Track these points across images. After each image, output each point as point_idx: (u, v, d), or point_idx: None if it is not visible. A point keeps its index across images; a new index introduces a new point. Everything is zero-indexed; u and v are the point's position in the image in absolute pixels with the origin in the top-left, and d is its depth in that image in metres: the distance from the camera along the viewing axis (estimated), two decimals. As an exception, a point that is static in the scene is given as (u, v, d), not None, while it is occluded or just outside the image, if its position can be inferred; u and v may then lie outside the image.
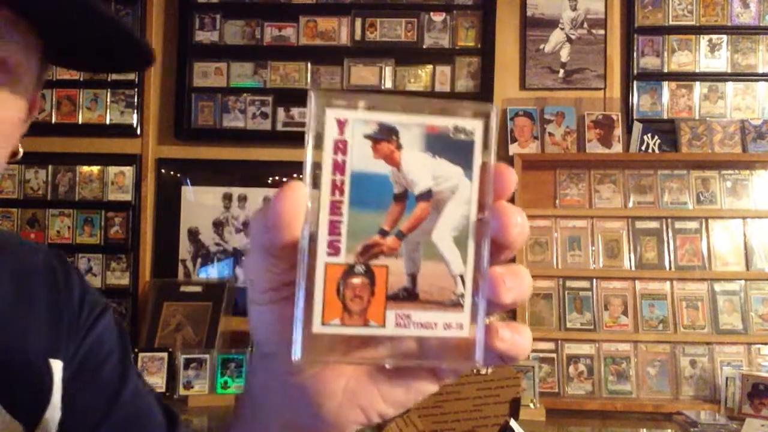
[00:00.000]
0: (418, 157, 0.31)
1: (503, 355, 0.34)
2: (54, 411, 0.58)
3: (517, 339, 0.34)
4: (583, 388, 2.33)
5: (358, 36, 2.58)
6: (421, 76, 2.58)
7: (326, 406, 0.37)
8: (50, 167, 2.61)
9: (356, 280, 0.31)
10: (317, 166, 0.31)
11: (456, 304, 0.32)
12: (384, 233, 0.31)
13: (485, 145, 0.32)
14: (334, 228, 0.31)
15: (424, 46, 2.57)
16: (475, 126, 0.32)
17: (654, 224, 2.44)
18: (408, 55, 2.58)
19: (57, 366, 0.59)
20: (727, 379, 2.21)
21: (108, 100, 2.61)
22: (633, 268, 2.41)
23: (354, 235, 0.31)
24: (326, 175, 0.31)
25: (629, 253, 2.42)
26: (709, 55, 2.53)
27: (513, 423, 1.77)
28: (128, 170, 2.59)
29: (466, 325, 0.32)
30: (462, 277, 0.32)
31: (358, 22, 2.58)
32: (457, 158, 0.32)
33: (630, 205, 2.45)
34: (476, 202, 0.32)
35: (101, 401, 0.60)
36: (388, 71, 2.57)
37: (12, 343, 0.57)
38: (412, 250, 0.32)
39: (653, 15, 2.55)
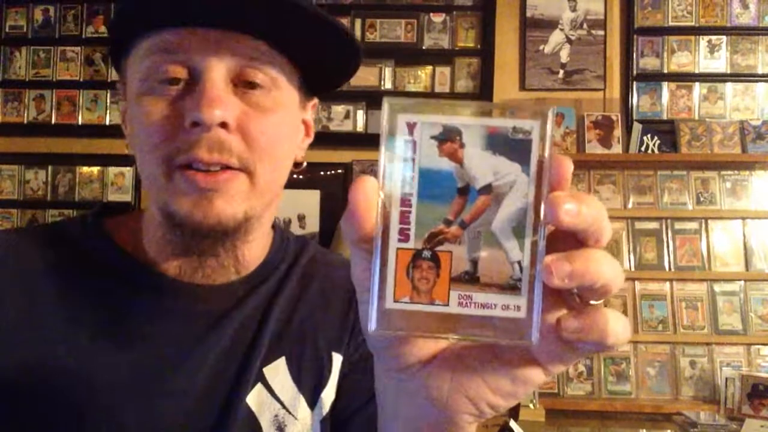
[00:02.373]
0: (479, 154, 0.35)
1: (569, 340, 0.36)
2: (330, 392, 0.71)
3: (589, 327, 0.36)
4: (582, 388, 2.33)
5: (357, 36, 2.58)
6: (420, 77, 2.58)
7: (436, 398, 0.39)
8: (50, 167, 2.61)
9: (423, 264, 0.35)
10: (391, 163, 0.35)
11: (514, 288, 0.35)
12: (448, 223, 0.35)
13: (542, 143, 0.35)
14: (404, 218, 0.35)
15: (424, 47, 2.57)
16: (532, 125, 0.35)
17: (654, 225, 2.44)
18: (408, 55, 2.58)
19: (337, 359, 0.72)
20: (726, 379, 2.21)
21: (108, 100, 2.61)
22: (633, 269, 2.41)
23: (422, 224, 0.35)
24: (398, 172, 0.35)
25: (629, 254, 2.42)
26: (709, 56, 2.54)
27: (513, 423, 1.77)
28: (128, 171, 2.59)
29: (523, 307, 0.35)
30: (519, 263, 0.35)
31: (358, 22, 2.58)
32: (515, 155, 0.35)
33: (630, 205, 2.46)
34: (533, 195, 0.35)
35: (363, 395, 0.71)
36: (387, 72, 2.57)
37: (308, 338, 0.71)
38: (473, 238, 0.35)
39: (653, 16, 2.55)
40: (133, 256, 0.68)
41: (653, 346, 2.35)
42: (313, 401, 0.70)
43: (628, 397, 2.31)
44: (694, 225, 2.43)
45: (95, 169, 2.61)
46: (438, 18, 2.58)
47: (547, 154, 0.35)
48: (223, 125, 0.59)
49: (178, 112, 0.60)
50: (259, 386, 0.67)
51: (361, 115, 2.57)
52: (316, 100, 0.73)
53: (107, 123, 2.61)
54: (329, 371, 0.71)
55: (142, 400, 0.63)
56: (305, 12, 0.61)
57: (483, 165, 0.35)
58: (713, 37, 2.54)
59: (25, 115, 2.64)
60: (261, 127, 0.62)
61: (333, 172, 2.58)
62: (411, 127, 0.35)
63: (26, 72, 2.65)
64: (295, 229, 2.55)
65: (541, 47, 2.56)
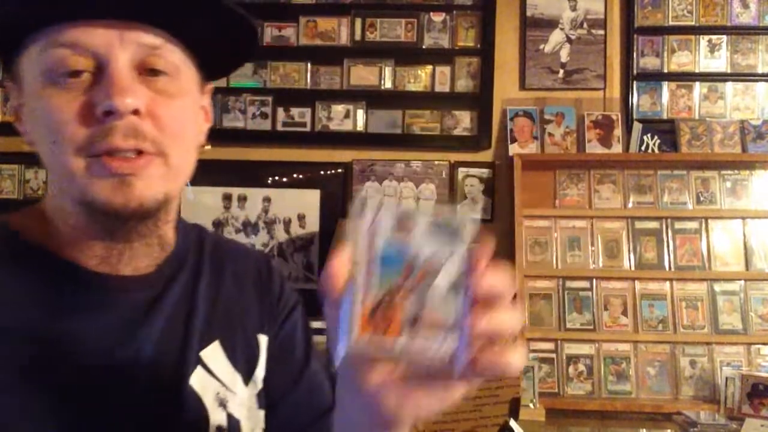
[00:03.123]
0: (425, 236, 0.48)
1: (481, 373, 0.48)
2: (261, 371, 0.78)
3: (495, 363, 0.48)
4: (582, 388, 2.33)
5: (357, 36, 2.58)
6: (420, 77, 2.58)
7: (386, 409, 0.49)
8: (50, 167, 2.61)
9: (382, 311, 0.47)
10: (360, 238, 0.47)
11: (446, 332, 0.47)
12: (400, 284, 0.47)
13: (470, 234, 0.49)
14: (368, 278, 0.47)
15: (424, 47, 2.57)
16: (464, 220, 0.50)
17: (654, 224, 2.44)
18: (408, 55, 2.58)
19: (263, 339, 0.79)
20: (726, 379, 2.21)
21: None
22: (633, 269, 2.41)
23: (382, 284, 0.47)
24: (364, 245, 0.47)
25: (629, 254, 2.42)
26: (709, 56, 2.54)
27: (513, 423, 1.77)
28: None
29: (452, 346, 0.47)
30: (451, 315, 0.47)
31: (358, 22, 2.58)
32: (451, 240, 0.48)
33: (630, 205, 2.45)
34: (463, 269, 0.48)
35: (291, 375, 0.81)
36: (387, 71, 2.57)
37: (236, 322, 0.77)
38: (418, 295, 0.47)
39: (653, 15, 2.55)
40: (50, 252, 0.68)
41: (653, 346, 2.35)
42: (247, 379, 0.76)
43: (628, 396, 2.31)
44: (694, 225, 2.43)
45: (95, 169, 2.61)
46: (438, 17, 2.58)
47: (472, 241, 0.49)
48: (135, 112, 0.62)
49: (87, 102, 0.61)
50: (199, 368, 0.71)
51: (361, 114, 2.57)
52: (211, 85, 0.76)
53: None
54: (258, 351, 0.78)
55: (86, 394, 0.65)
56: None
57: (427, 244, 0.48)
58: (713, 37, 2.54)
59: (25, 114, 2.63)
60: (170, 112, 0.65)
61: (333, 171, 2.58)
62: (377, 211, 0.48)
63: (26, 72, 2.65)
64: (296, 229, 2.55)
65: (541, 47, 2.56)
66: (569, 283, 2.41)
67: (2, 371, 0.62)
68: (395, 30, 2.58)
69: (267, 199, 2.55)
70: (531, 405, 2.15)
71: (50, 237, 0.68)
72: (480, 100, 2.54)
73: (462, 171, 2.53)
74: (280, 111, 2.57)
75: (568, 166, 2.48)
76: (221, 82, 2.59)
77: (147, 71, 0.64)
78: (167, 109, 0.64)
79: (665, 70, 2.54)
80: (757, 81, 2.51)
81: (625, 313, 2.37)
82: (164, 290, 0.72)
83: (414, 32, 2.57)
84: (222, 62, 0.74)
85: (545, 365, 2.33)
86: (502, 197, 2.51)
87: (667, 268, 2.40)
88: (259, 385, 0.77)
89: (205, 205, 2.57)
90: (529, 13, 2.57)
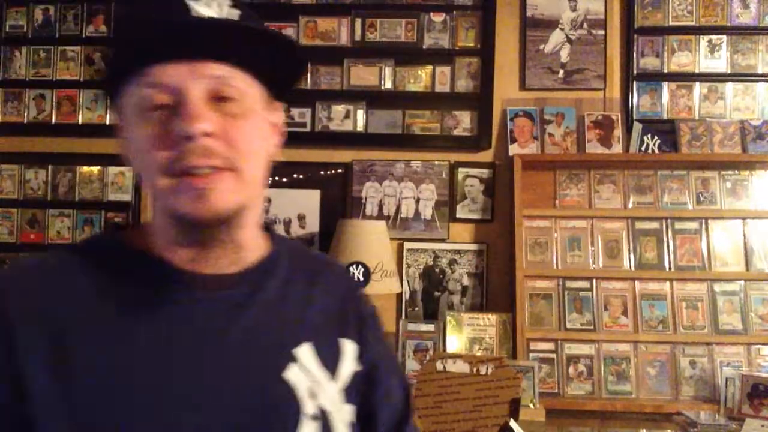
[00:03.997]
0: None
1: None
2: (347, 368, 0.86)
3: None
4: (583, 388, 2.33)
5: (358, 36, 2.58)
6: (420, 77, 2.58)
7: None
8: (50, 167, 2.61)
9: None
10: None
11: None
12: None
13: None
14: None
15: (424, 47, 2.57)
16: None
17: (654, 224, 2.44)
18: (408, 55, 2.58)
19: (346, 343, 0.87)
20: (726, 379, 2.21)
21: (108, 100, 2.61)
22: (633, 269, 2.41)
23: None
24: None
25: (629, 254, 2.42)
26: (709, 56, 2.54)
27: (513, 423, 1.77)
28: (128, 170, 2.59)
29: None
30: None
31: (358, 22, 2.58)
32: None
33: (630, 205, 2.45)
34: None
35: (391, 421, 0.91)
36: (387, 71, 2.57)
37: (323, 328, 0.86)
38: None
39: (653, 15, 2.55)
40: (154, 258, 0.79)
41: (653, 346, 2.35)
42: (333, 378, 0.84)
43: (628, 396, 2.31)
44: (694, 225, 2.43)
45: (95, 169, 2.61)
46: (438, 17, 2.58)
47: None
48: (208, 135, 0.72)
49: (169, 130, 0.73)
50: (292, 365, 0.80)
51: (361, 114, 2.57)
52: (280, 104, 0.86)
53: (107, 123, 2.61)
54: (341, 353, 0.87)
55: (179, 378, 0.73)
56: (253, 32, 0.75)
57: None
58: (713, 37, 2.54)
59: (25, 114, 2.64)
60: (239, 132, 0.75)
61: (333, 171, 2.58)
62: None
63: (26, 72, 2.65)
64: (296, 229, 2.55)
65: (541, 47, 2.56)
66: (569, 283, 2.41)
67: (116, 349, 0.73)
68: (395, 30, 2.58)
69: (267, 199, 2.56)
70: (531, 405, 2.15)
71: (152, 245, 0.80)
72: (480, 100, 2.54)
73: (462, 171, 2.53)
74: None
75: (568, 166, 2.48)
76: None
77: (217, 98, 0.74)
78: (236, 129, 0.75)
79: (665, 71, 2.54)
80: (757, 81, 2.51)
81: (625, 313, 2.37)
82: (255, 291, 0.82)
83: (414, 32, 2.57)
84: (280, 83, 0.83)
85: (545, 365, 2.33)
86: (502, 197, 2.51)
87: (667, 269, 2.40)
88: (346, 381, 0.85)
89: (205, 205, 2.56)
90: (529, 14, 2.57)
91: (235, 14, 0.76)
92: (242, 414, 0.74)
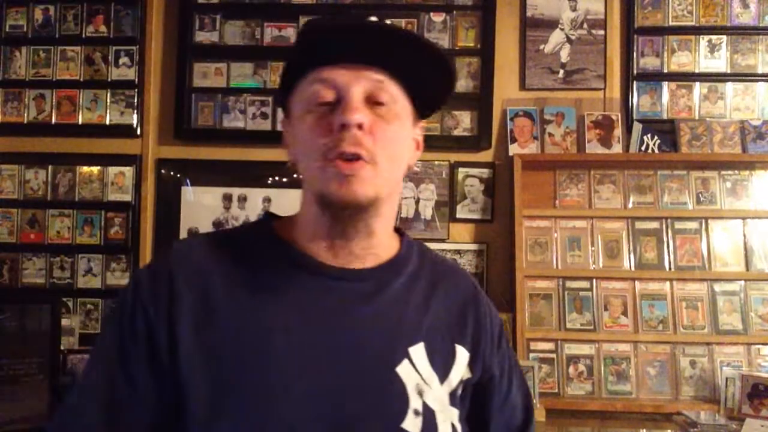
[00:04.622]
0: None
1: None
2: (457, 374, 0.91)
3: None
4: (583, 388, 2.33)
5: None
6: (421, 77, 2.58)
7: None
8: (50, 167, 2.61)
9: None
10: None
11: None
12: None
13: None
14: None
15: (424, 47, 2.57)
16: None
17: (654, 224, 2.44)
18: (408, 55, 2.57)
19: (460, 350, 0.93)
20: (726, 379, 2.21)
21: (108, 100, 2.61)
22: (633, 269, 2.41)
23: None
24: None
25: (629, 254, 2.42)
26: (709, 56, 2.54)
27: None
28: (128, 170, 2.59)
29: None
30: None
31: (358, 22, 2.58)
32: None
33: (630, 205, 2.45)
34: None
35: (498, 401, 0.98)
36: (388, 71, 2.57)
37: (439, 330, 0.92)
38: None
39: (653, 15, 2.55)
40: (294, 246, 0.91)
41: (653, 346, 2.35)
42: (442, 379, 0.90)
43: (628, 396, 2.31)
44: (694, 225, 2.43)
45: (95, 169, 2.61)
46: (438, 17, 2.58)
47: None
48: (360, 127, 0.83)
49: (329, 122, 0.84)
50: (405, 361, 0.87)
51: (361, 114, 2.57)
52: (422, 122, 0.96)
53: (107, 123, 2.61)
54: (454, 359, 0.92)
55: (315, 353, 0.83)
56: (412, 41, 0.87)
57: None
58: (713, 37, 2.54)
59: (25, 115, 2.64)
60: (385, 132, 0.85)
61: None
62: None
63: (26, 72, 2.65)
64: (295, 229, 2.55)
65: (541, 47, 2.56)
66: (569, 283, 2.41)
67: (251, 322, 0.84)
68: (395, 30, 2.58)
69: (267, 199, 2.56)
70: (531, 405, 2.14)
71: (297, 235, 0.92)
72: (480, 100, 2.54)
73: (462, 171, 2.53)
74: (280, 111, 2.56)
75: (568, 166, 2.48)
76: (221, 83, 2.60)
77: (372, 102, 0.86)
78: (383, 129, 0.85)
79: (665, 70, 2.54)
80: (757, 81, 2.51)
81: (625, 313, 2.37)
82: (382, 286, 0.90)
83: (414, 32, 2.57)
84: (428, 101, 0.94)
85: (545, 365, 2.33)
86: (502, 197, 2.51)
87: (667, 268, 2.40)
88: (453, 385, 0.91)
89: (205, 205, 2.57)
90: (529, 14, 2.57)
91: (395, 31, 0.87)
92: (352, 397, 0.82)
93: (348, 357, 0.84)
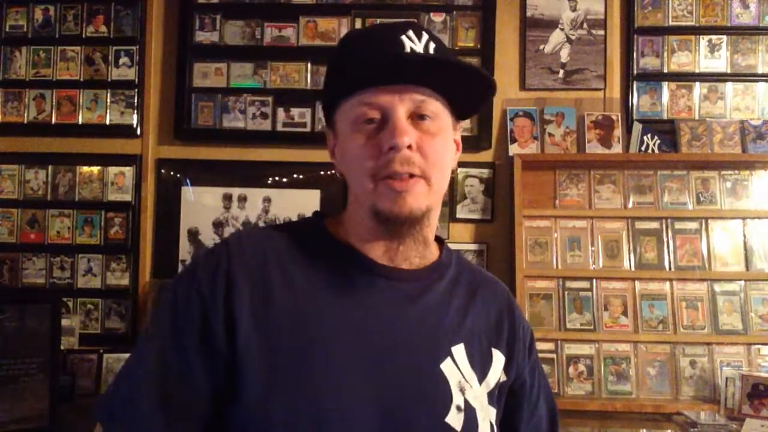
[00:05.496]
0: None
1: None
2: (494, 376, 0.96)
3: None
4: (583, 388, 2.33)
5: (358, 36, 2.58)
6: (421, 77, 2.58)
7: None
8: (50, 167, 2.61)
9: None
10: None
11: None
12: None
13: None
14: None
15: (424, 47, 2.57)
16: None
17: (654, 224, 2.44)
18: (408, 55, 2.57)
19: (497, 353, 0.98)
20: (726, 379, 2.21)
21: (108, 100, 2.61)
22: (633, 269, 2.41)
23: None
24: None
25: (629, 254, 2.42)
26: (709, 56, 2.54)
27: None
28: (128, 170, 2.59)
29: None
30: None
31: (358, 22, 2.58)
32: None
33: (630, 205, 2.46)
34: None
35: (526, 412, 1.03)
36: (388, 71, 2.57)
37: (477, 334, 0.97)
38: None
39: (653, 15, 2.55)
40: (349, 245, 0.95)
41: (653, 346, 2.35)
42: (481, 379, 0.94)
43: (628, 396, 2.31)
44: (694, 225, 2.43)
45: (95, 169, 2.61)
46: (438, 17, 2.58)
47: None
48: (409, 147, 0.87)
49: (377, 141, 0.88)
50: (448, 359, 0.91)
51: (361, 114, 2.57)
52: (461, 123, 1.00)
53: (107, 123, 2.61)
54: (492, 361, 0.97)
55: (367, 347, 0.87)
56: (452, 66, 0.89)
57: None
58: (713, 37, 2.54)
59: (25, 115, 2.64)
60: (432, 147, 0.89)
61: (333, 171, 2.57)
62: None
63: (26, 72, 2.65)
64: (295, 229, 2.55)
65: (541, 47, 2.56)
66: (569, 283, 2.41)
67: (305, 313, 0.87)
68: (395, 30, 2.58)
69: (267, 199, 2.56)
70: (531, 405, 2.14)
71: (349, 235, 0.96)
72: (480, 100, 2.53)
73: (462, 171, 2.54)
74: (280, 111, 2.57)
75: (568, 166, 2.48)
76: (221, 83, 2.60)
77: (416, 117, 0.89)
78: (430, 144, 0.89)
79: (665, 70, 2.54)
80: (757, 81, 2.51)
81: (625, 313, 2.37)
82: (427, 287, 0.95)
83: (414, 32, 2.57)
84: (467, 107, 0.97)
85: (545, 365, 2.33)
86: (502, 197, 2.51)
87: (667, 268, 2.40)
88: (491, 386, 0.95)
89: (205, 205, 2.57)
90: (529, 14, 2.57)
91: (432, 48, 0.91)
92: (401, 389, 0.86)
93: (397, 352, 0.88)
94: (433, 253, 0.99)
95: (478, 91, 0.95)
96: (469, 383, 0.92)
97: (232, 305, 0.85)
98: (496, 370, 0.97)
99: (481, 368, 0.95)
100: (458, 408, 0.89)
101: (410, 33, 0.91)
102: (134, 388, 0.85)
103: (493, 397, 0.95)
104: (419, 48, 0.90)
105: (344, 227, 0.97)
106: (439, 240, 1.03)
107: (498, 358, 0.97)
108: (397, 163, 0.86)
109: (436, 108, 0.91)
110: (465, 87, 0.92)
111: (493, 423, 0.94)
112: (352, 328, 0.88)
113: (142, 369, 0.86)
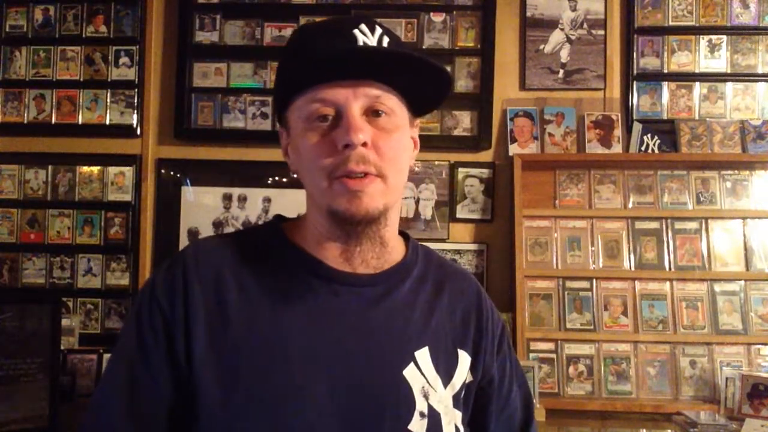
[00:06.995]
0: None
1: None
2: (460, 378, 0.94)
3: None
4: (583, 388, 2.33)
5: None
6: (421, 77, 2.58)
7: None
8: (50, 167, 2.61)
9: None
10: None
11: None
12: None
13: None
14: None
15: (424, 47, 2.57)
16: None
17: (654, 224, 2.44)
18: (408, 55, 2.57)
19: (462, 354, 0.95)
20: (726, 379, 2.21)
21: (108, 100, 2.61)
22: (633, 269, 2.41)
23: None
24: None
25: (629, 254, 2.42)
26: (709, 56, 2.54)
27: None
28: (128, 170, 2.59)
29: None
30: None
31: (358, 22, 2.57)
32: None
33: (630, 205, 2.45)
34: None
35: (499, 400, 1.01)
36: (388, 71, 2.57)
37: (443, 334, 0.94)
38: None
39: (653, 15, 2.55)
40: (305, 250, 0.92)
41: (653, 346, 2.35)
42: (446, 382, 0.92)
43: (628, 396, 2.31)
44: (694, 225, 2.43)
45: (95, 169, 2.61)
46: (438, 18, 2.58)
47: None
48: (364, 144, 0.84)
49: (331, 139, 0.85)
50: (411, 364, 0.89)
51: (361, 114, 2.57)
52: (418, 120, 0.97)
53: (107, 123, 2.61)
54: (457, 362, 0.95)
55: (327, 356, 0.85)
56: (405, 58, 0.86)
57: None
58: (713, 37, 2.54)
59: (25, 115, 2.64)
60: (388, 144, 0.87)
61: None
62: None
63: (26, 72, 2.65)
64: (295, 229, 2.55)
65: (541, 47, 2.56)
66: (569, 283, 2.41)
67: (261, 319, 0.86)
68: (395, 30, 2.58)
69: (267, 199, 2.56)
70: (531, 405, 2.14)
71: (306, 239, 0.93)
72: (480, 100, 2.54)
73: (462, 171, 2.53)
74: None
75: (568, 166, 2.48)
76: (221, 83, 2.60)
77: (372, 113, 0.86)
78: (386, 141, 0.86)
79: (665, 71, 2.54)
80: (757, 81, 2.51)
81: (625, 313, 2.37)
82: (389, 291, 0.93)
83: (414, 32, 2.57)
84: (425, 103, 0.95)
85: (545, 365, 2.33)
86: (502, 197, 2.51)
87: (667, 268, 2.40)
88: (456, 388, 0.93)
89: (205, 205, 2.57)
90: (529, 14, 2.57)
91: (386, 41, 0.88)
92: (363, 398, 0.85)
93: (358, 360, 0.86)
94: (396, 252, 0.96)
95: (434, 85, 0.92)
96: (433, 388, 0.90)
97: (190, 320, 0.86)
98: (462, 372, 0.95)
99: (446, 371, 0.93)
100: (421, 414, 0.88)
101: (363, 27, 0.87)
102: (105, 404, 0.86)
103: (459, 399, 0.94)
104: (372, 42, 0.87)
105: (301, 231, 0.94)
106: (404, 235, 1.01)
107: (464, 359, 0.96)
108: (352, 161, 0.84)
109: (392, 104, 0.88)
110: (421, 81, 0.89)
111: (459, 426, 0.92)
112: (312, 339, 0.86)
113: (112, 383, 0.87)
